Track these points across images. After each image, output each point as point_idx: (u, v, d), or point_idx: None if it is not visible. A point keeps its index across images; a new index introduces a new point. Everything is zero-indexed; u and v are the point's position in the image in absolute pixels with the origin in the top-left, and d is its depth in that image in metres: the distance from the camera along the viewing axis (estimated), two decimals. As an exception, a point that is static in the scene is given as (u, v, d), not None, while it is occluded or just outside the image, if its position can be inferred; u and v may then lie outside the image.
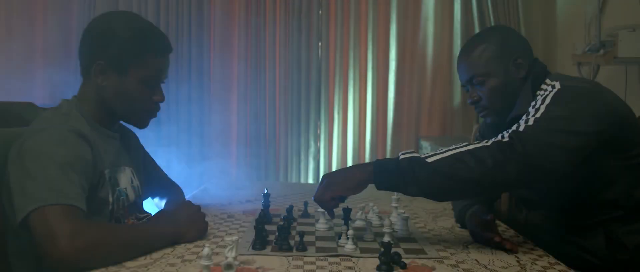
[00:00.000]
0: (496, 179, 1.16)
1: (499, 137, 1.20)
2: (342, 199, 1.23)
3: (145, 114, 1.34)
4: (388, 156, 3.36)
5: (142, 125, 1.36)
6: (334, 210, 1.26)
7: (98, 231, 1.06)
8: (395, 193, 1.42)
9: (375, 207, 1.47)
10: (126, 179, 1.36)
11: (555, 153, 1.16)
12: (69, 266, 0.99)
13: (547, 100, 1.23)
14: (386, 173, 1.18)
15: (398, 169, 1.17)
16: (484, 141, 1.19)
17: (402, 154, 1.20)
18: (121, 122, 1.39)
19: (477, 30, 3.29)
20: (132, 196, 1.37)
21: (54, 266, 1.00)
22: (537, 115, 1.20)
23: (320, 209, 1.33)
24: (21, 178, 1.10)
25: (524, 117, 1.23)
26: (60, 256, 0.98)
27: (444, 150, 1.19)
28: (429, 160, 1.17)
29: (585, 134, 1.19)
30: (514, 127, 1.21)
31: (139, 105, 1.31)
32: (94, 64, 1.26)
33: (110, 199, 1.27)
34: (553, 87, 1.28)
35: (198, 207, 1.28)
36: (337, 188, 1.21)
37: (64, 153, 1.13)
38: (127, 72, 1.26)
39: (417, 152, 1.21)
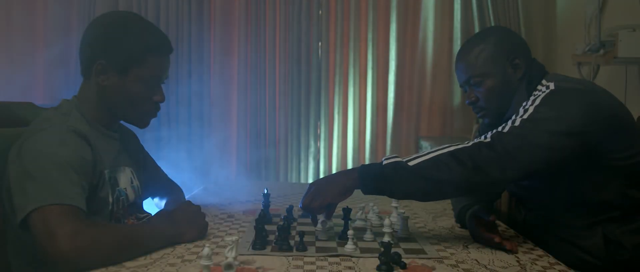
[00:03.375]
0: (477, 180, 1.18)
1: (482, 137, 1.22)
2: (330, 206, 1.24)
3: (145, 114, 1.34)
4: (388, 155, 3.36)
5: (143, 125, 1.36)
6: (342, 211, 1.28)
7: (98, 230, 1.06)
8: None
9: (375, 207, 1.47)
10: (126, 179, 1.36)
11: (535, 152, 1.18)
12: (69, 266, 0.99)
13: (537, 102, 1.24)
14: (371, 178, 1.21)
15: (382, 173, 1.20)
16: (465, 142, 1.21)
17: (386, 159, 1.23)
18: (121, 122, 1.40)
19: (477, 30, 3.29)
20: (132, 196, 1.37)
21: (54, 266, 1.00)
22: (525, 117, 1.22)
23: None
24: (21, 178, 1.10)
25: (513, 117, 1.24)
26: (60, 255, 0.99)
27: (426, 152, 1.22)
28: (411, 164, 1.20)
29: (569, 135, 1.20)
30: (499, 128, 1.22)
31: (139, 106, 1.31)
32: (95, 64, 1.26)
33: (110, 199, 1.27)
34: (547, 88, 1.28)
35: (198, 207, 1.28)
36: (325, 195, 1.23)
37: (64, 153, 1.13)
38: (128, 72, 1.26)
39: (399, 156, 1.23)
